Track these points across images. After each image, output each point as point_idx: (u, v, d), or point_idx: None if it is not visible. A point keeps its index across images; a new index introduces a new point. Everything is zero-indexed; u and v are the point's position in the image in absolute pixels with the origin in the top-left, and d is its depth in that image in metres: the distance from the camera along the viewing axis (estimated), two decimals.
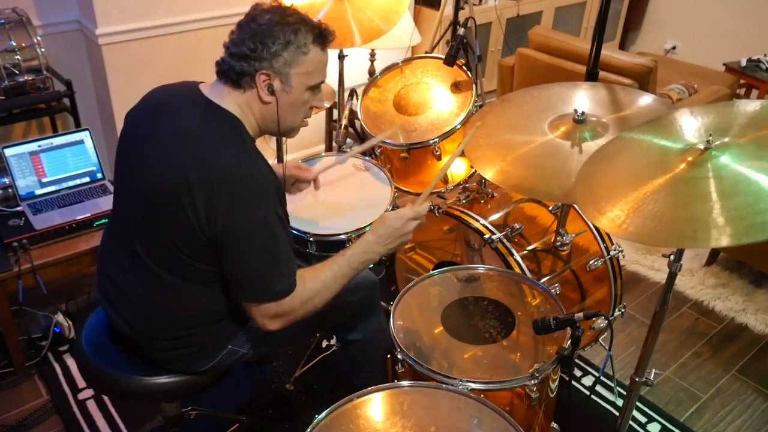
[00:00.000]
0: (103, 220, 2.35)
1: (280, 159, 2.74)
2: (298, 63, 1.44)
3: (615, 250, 2.12)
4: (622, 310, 2.19)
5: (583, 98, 1.90)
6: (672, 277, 1.50)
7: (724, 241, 1.14)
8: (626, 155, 1.47)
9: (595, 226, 2.13)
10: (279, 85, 1.45)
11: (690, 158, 1.31)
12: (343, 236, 1.96)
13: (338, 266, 1.55)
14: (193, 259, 1.44)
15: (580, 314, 1.53)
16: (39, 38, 2.55)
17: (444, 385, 1.47)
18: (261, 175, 1.42)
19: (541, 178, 1.69)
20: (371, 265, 2.08)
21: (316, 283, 1.51)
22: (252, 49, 1.41)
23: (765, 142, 1.29)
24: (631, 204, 1.30)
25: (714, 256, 3.03)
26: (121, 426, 2.16)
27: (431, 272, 1.89)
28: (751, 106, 1.41)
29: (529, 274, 1.93)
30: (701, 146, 1.31)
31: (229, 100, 1.46)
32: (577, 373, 2.43)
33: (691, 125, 1.43)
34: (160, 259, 1.46)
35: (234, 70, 1.43)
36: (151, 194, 1.43)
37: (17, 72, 2.50)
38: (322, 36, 1.47)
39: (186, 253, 1.43)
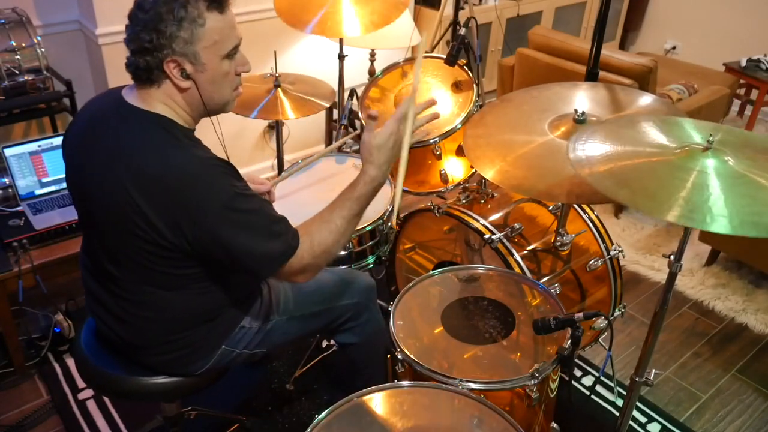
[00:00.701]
0: None
1: (280, 159, 2.74)
2: (199, 37, 1.33)
3: (615, 250, 2.12)
4: (622, 310, 2.19)
5: (583, 98, 1.90)
6: (672, 277, 1.50)
7: (672, 217, 1.21)
8: (629, 137, 1.48)
9: (595, 226, 2.13)
10: (190, 66, 1.35)
11: (688, 149, 1.35)
12: None
13: (348, 210, 1.49)
14: (167, 268, 1.41)
15: (580, 314, 1.53)
16: (39, 38, 2.55)
17: (444, 385, 1.47)
18: (202, 165, 1.34)
19: (541, 178, 1.69)
20: (371, 266, 2.10)
21: (325, 234, 1.45)
22: (149, 41, 1.31)
23: (762, 161, 1.33)
24: (626, 173, 1.33)
25: (714, 256, 3.03)
26: (121, 426, 2.16)
27: (431, 272, 1.89)
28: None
29: (529, 274, 1.93)
30: (702, 145, 1.34)
31: (152, 100, 1.39)
32: (577, 373, 2.43)
33: (693, 129, 1.45)
34: (136, 275, 1.44)
35: (140, 68, 1.35)
36: (104, 218, 1.40)
37: (17, 72, 2.50)
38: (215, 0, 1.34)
39: (160, 264, 1.40)
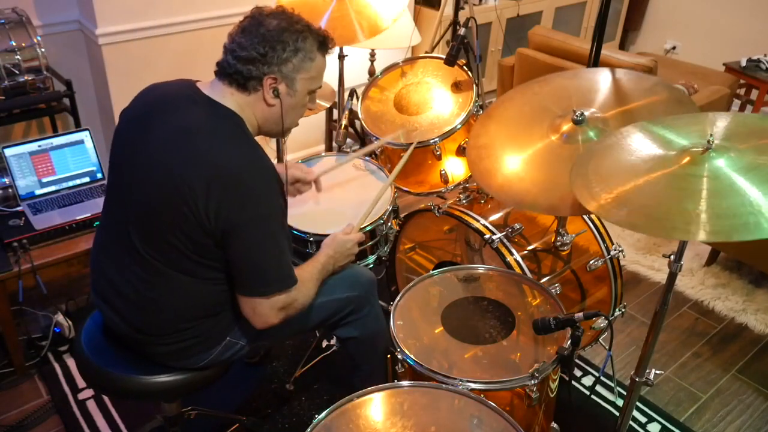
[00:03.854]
0: None
1: (280, 159, 2.74)
2: (304, 69, 1.50)
3: (615, 250, 2.12)
4: (622, 310, 2.19)
5: (583, 93, 1.87)
6: (672, 277, 1.50)
7: (701, 236, 1.19)
8: (630, 145, 1.48)
9: (595, 226, 2.13)
10: (284, 88, 1.50)
11: (689, 157, 1.33)
12: None
13: (318, 272, 1.67)
14: (194, 253, 1.46)
15: (580, 314, 1.53)
16: (39, 38, 2.55)
17: (444, 385, 1.47)
18: (265, 169, 1.44)
19: (544, 192, 1.67)
20: (371, 266, 2.10)
21: (308, 282, 1.62)
22: (262, 54, 1.44)
23: (764, 150, 1.31)
24: (625, 192, 1.33)
25: (714, 256, 3.03)
26: (121, 426, 2.16)
27: (431, 272, 1.89)
28: (757, 117, 1.45)
29: (529, 274, 1.93)
30: (701, 147, 1.33)
31: (230, 100, 1.49)
32: (577, 373, 2.43)
33: (695, 126, 1.44)
34: (160, 253, 1.48)
35: (242, 74, 1.46)
36: (153, 192, 1.44)
37: (17, 72, 2.50)
38: (325, 44, 1.54)
39: (188, 247, 1.45)
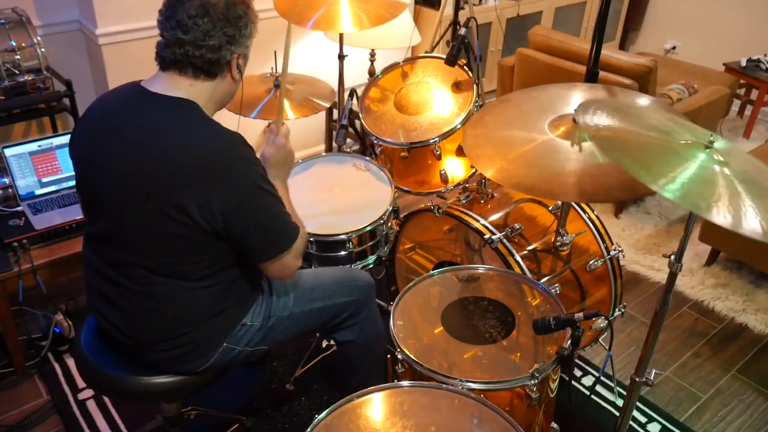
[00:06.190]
0: None
1: None
2: (253, 35, 1.48)
3: (615, 250, 2.12)
4: (622, 310, 2.19)
5: (581, 99, 1.89)
6: (672, 277, 1.50)
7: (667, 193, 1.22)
8: (637, 119, 1.50)
9: (595, 226, 2.13)
10: (243, 60, 1.49)
11: (689, 142, 1.36)
12: (343, 236, 1.97)
13: (285, 198, 1.59)
14: (181, 255, 1.44)
15: (580, 314, 1.53)
16: (39, 38, 2.55)
17: (444, 385, 1.47)
18: (232, 141, 1.42)
19: (541, 177, 1.68)
20: (371, 266, 2.10)
21: (295, 213, 1.60)
22: (231, 35, 1.40)
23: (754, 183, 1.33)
24: (628, 143, 1.36)
25: (714, 256, 3.03)
26: (121, 426, 2.16)
27: (431, 272, 1.89)
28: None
29: (529, 274, 1.93)
30: (702, 144, 1.34)
31: (185, 90, 1.43)
32: (577, 373, 2.43)
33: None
34: (149, 261, 1.45)
35: (210, 61, 1.41)
36: (131, 201, 1.41)
37: (17, 72, 2.50)
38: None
39: (182, 249, 1.43)
